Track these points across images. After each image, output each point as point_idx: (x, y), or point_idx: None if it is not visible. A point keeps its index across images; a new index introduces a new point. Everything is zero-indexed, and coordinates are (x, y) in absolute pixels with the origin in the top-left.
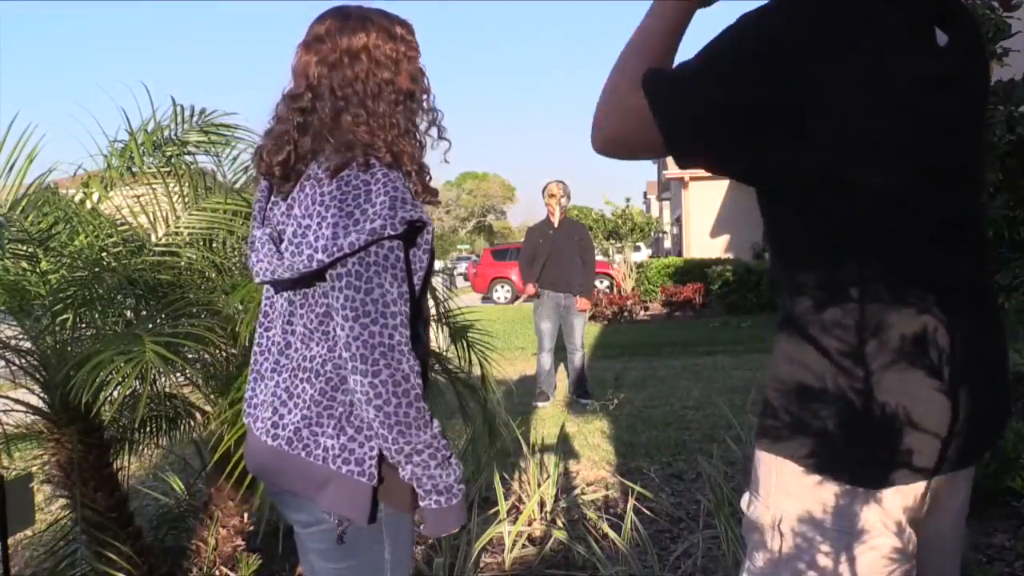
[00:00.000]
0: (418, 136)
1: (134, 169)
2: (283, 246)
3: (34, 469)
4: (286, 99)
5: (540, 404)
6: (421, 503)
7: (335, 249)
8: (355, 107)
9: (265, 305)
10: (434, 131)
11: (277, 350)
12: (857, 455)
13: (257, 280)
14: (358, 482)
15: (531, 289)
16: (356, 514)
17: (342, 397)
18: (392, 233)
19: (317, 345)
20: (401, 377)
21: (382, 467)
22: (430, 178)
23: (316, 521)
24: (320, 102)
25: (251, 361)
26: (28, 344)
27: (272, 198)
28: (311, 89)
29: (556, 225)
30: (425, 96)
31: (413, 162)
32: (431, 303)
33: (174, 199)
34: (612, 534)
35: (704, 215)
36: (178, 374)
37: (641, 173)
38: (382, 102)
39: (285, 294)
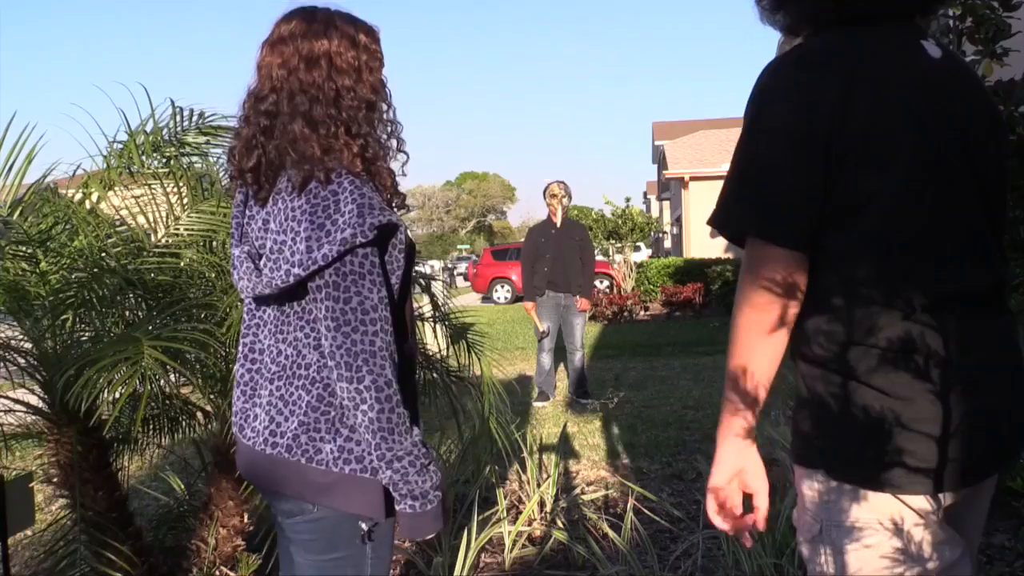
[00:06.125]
0: (379, 142)
1: (133, 170)
2: (262, 262)
3: (34, 469)
4: (251, 98)
5: (540, 404)
6: (396, 507)
7: (310, 263)
8: (314, 112)
9: (245, 313)
10: (393, 143)
11: (269, 358)
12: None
13: (243, 295)
14: (363, 479)
15: (530, 307)
16: (369, 510)
17: (333, 400)
18: (363, 240)
19: (312, 352)
20: (384, 383)
21: None
22: (395, 181)
23: (300, 511)
24: (282, 105)
25: (235, 371)
26: (28, 344)
27: (248, 212)
28: (275, 91)
29: (558, 225)
30: (386, 107)
31: (375, 164)
32: (430, 303)
33: (173, 200)
34: (612, 534)
35: (704, 215)
36: (177, 375)
37: (641, 173)
38: (342, 109)
39: (275, 304)
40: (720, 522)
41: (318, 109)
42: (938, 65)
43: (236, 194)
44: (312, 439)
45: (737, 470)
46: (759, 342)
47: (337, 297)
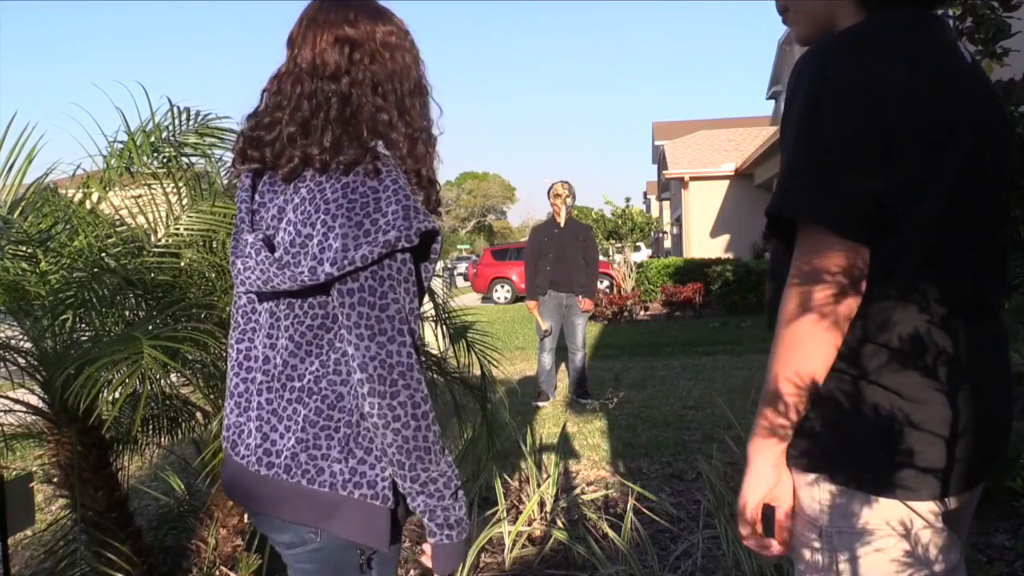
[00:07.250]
0: (429, 134)
1: (133, 170)
2: (277, 254)
3: (34, 469)
4: (316, 78)
5: (540, 404)
6: (431, 539)
7: (346, 262)
8: (390, 101)
9: (238, 316)
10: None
11: (257, 367)
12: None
13: (242, 289)
14: (372, 506)
15: (532, 306)
16: (374, 541)
17: (339, 415)
18: (407, 246)
19: (308, 360)
20: (421, 399)
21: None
22: (439, 192)
23: (301, 542)
24: (354, 89)
25: (227, 379)
26: (28, 344)
27: (258, 199)
28: (348, 74)
29: (561, 225)
30: (430, 96)
31: (430, 170)
32: (429, 303)
33: (172, 200)
34: (612, 534)
35: (704, 215)
36: (177, 375)
37: (641, 173)
38: (415, 99)
39: (266, 305)
40: (749, 541)
41: (398, 97)
42: (972, 68)
43: (242, 179)
44: (312, 457)
45: (770, 488)
46: (809, 337)
47: (372, 304)
